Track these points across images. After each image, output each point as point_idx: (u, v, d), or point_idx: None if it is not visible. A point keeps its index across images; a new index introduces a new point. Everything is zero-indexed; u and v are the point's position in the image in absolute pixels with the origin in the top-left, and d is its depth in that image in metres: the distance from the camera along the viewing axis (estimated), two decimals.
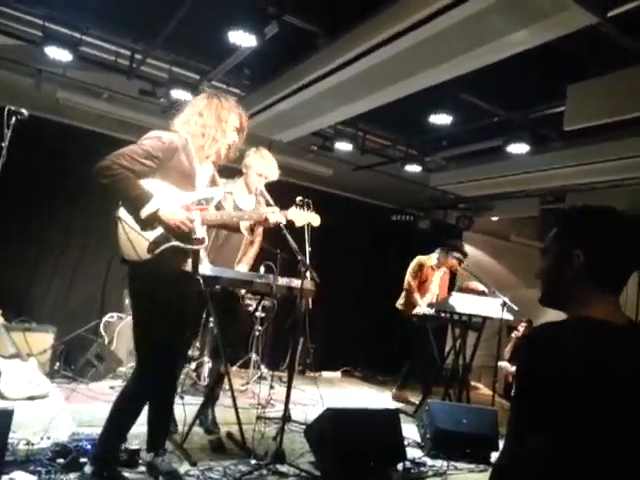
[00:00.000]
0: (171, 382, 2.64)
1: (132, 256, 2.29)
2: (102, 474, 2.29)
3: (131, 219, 2.29)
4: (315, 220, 3.01)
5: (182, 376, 3.94)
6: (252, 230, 2.96)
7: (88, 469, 2.29)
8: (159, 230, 2.32)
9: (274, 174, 3.48)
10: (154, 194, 2.28)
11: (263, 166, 3.44)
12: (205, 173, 2.55)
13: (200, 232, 2.45)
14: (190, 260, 2.50)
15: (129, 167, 2.23)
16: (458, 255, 5.46)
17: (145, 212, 2.25)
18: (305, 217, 2.97)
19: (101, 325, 4.88)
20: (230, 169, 3.10)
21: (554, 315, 1.16)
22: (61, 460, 2.42)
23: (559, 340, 1.11)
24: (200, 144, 2.45)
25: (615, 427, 1.06)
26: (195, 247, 2.47)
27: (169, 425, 2.77)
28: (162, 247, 2.32)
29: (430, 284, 5.61)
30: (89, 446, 2.50)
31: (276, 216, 2.73)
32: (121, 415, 2.38)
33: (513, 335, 7.25)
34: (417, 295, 5.46)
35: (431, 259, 5.65)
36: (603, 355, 1.09)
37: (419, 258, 5.68)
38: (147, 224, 2.29)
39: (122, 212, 2.31)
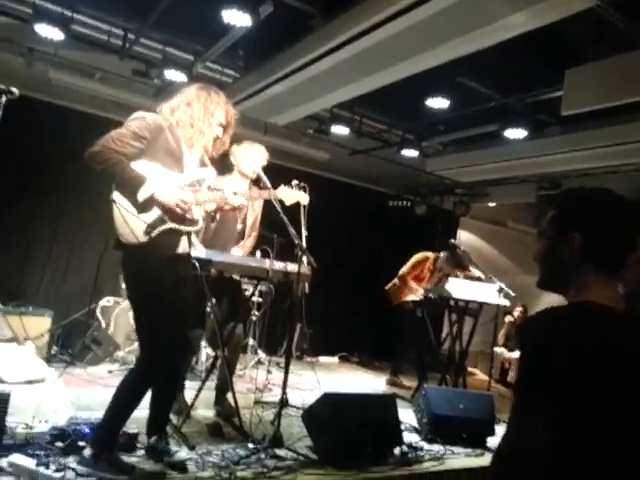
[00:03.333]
0: (173, 366, 2.62)
1: (130, 239, 2.28)
2: (101, 457, 2.29)
3: (127, 202, 2.28)
4: (304, 199, 3.04)
5: None
6: (216, 212, 2.96)
7: (87, 452, 2.29)
8: (155, 212, 2.32)
9: (264, 155, 3.51)
10: (147, 176, 2.27)
11: (252, 151, 3.48)
12: (194, 157, 2.54)
13: (195, 213, 2.45)
14: (184, 243, 2.49)
15: (120, 150, 2.23)
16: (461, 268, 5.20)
17: (142, 195, 2.25)
18: (294, 196, 2.99)
19: (98, 309, 4.86)
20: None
21: (550, 300, 1.14)
22: (60, 443, 2.42)
23: (560, 326, 1.08)
24: (188, 136, 2.45)
25: (618, 413, 1.05)
26: (190, 229, 2.47)
27: (170, 409, 2.77)
28: (158, 229, 2.32)
29: (423, 283, 5.38)
30: (87, 430, 2.49)
31: (238, 199, 2.70)
32: (124, 399, 2.37)
33: (506, 320, 7.28)
34: (412, 282, 5.30)
35: (438, 259, 5.34)
36: (606, 341, 1.06)
37: (425, 254, 5.40)
38: (143, 207, 2.28)
39: (117, 195, 2.30)
